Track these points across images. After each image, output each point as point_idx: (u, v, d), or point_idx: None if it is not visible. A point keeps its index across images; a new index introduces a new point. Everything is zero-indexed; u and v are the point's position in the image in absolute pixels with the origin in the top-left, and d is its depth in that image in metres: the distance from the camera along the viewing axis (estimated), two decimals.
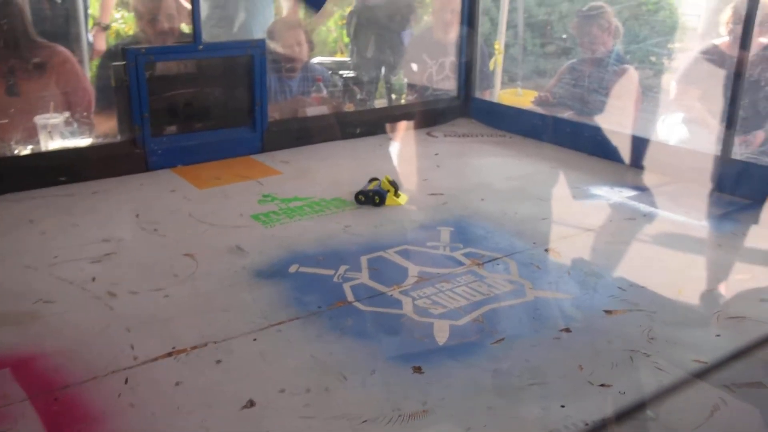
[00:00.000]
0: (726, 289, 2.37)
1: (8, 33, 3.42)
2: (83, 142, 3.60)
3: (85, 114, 3.83)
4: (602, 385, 1.78)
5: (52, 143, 3.40)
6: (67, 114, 3.66)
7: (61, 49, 3.67)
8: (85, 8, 4.45)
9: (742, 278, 2.44)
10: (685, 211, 3.01)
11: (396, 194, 3.00)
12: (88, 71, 4.44)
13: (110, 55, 3.88)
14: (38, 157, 3.33)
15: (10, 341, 1.95)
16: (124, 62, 3.29)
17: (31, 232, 2.70)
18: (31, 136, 3.46)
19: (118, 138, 3.48)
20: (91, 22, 4.74)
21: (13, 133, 3.49)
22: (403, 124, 4.27)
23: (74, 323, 2.06)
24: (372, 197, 2.97)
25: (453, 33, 4.53)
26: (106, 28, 4.53)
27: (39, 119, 3.43)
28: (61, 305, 2.15)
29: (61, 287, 2.26)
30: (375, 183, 3.06)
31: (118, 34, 4.84)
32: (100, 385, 1.76)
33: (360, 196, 2.99)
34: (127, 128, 3.41)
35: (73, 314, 2.11)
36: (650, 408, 1.71)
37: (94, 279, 2.32)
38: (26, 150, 3.40)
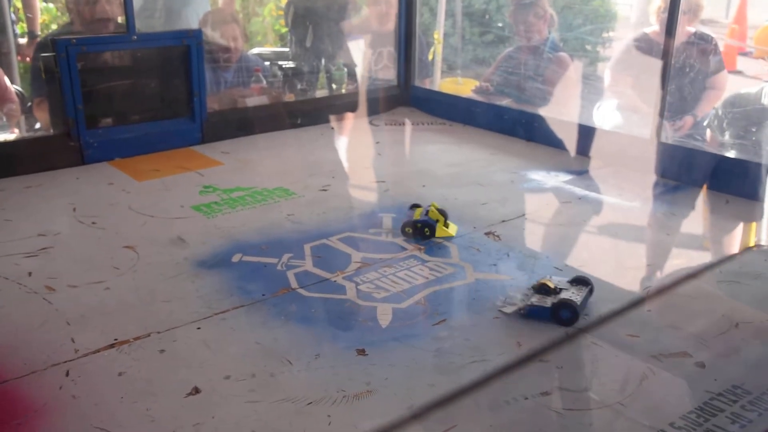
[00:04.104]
0: (656, 267, 2.48)
1: None
2: (14, 135, 3.51)
3: (13, 107, 3.74)
4: (540, 361, 1.85)
5: None
6: None
7: None
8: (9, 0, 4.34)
9: (671, 256, 2.56)
10: (618, 193, 3.11)
11: (445, 224, 2.61)
12: (17, 65, 4.33)
13: (40, 46, 3.79)
14: None
15: None
16: (53, 53, 3.21)
17: None
18: None
19: (51, 131, 3.40)
20: (21, 28, 4.63)
21: None
22: (344, 114, 4.28)
23: (11, 319, 2.02)
24: (421, 229, 2.57)
25: (389, 23, 4.56)
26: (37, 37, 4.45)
27: None
28: None
29: None
30: (420, 210, 2.65)
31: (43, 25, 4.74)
32: (40, 379, 1.73)
33: (407, 229, 2.59)
34: (60, 121, 3.33)
35: (9, 310, 2.06)
36: (585, 380, 1.78)
37: (30, 274, 2.27)
38: None
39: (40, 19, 4.87)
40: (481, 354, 1.87)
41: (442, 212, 2.61)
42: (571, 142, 3.70)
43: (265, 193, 3.03)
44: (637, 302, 2.19)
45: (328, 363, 1.83)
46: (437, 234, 2.58)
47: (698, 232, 2.83)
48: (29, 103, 3.86)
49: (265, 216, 2.79)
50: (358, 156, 3.66)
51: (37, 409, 1.62)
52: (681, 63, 4.09)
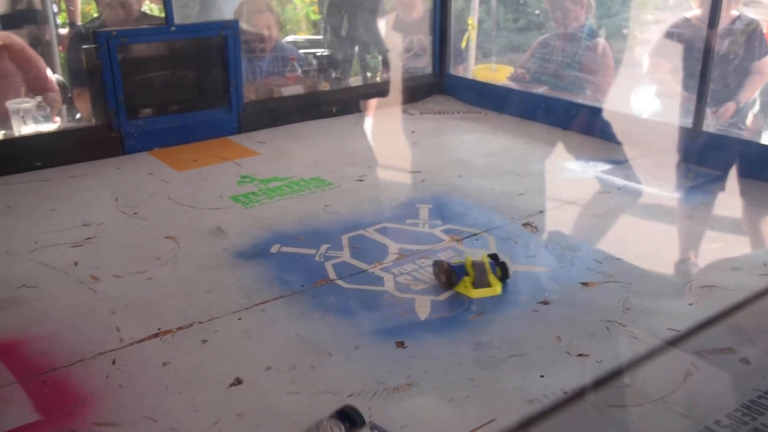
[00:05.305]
0: (698, 259, 2.44)
1: None
2: (56, 126, 3.57)
3: (54, 97, 3.80)
4: (580, 355, 1.84)
5: (26, 128, 3.37)
6: (39, 98, 3.62)
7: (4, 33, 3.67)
8: None
9: (713, 248, 2.51)
10: (658, 183, 3.07)
11: (478, 282, 2.14)
12: (58, 55, 4.39)
13: (80, 38, 3.84)
14: (12, 142, 3.30)
15: None
16: (95, 45, 3.26)
17: (9, 218, 2.69)
18: (3, 121, 3.42)
19: (93, 122, 3.46)
20: (62, 18, 4.69)
21: None
22: (379, 102, 4.28)
23: (59, 308, 2.07)
24: (438, 273, 2.23)
25: (416, 12, 4.54)
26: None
27: (11, 104, 3.39)
28: (44, 290, 2.16)
29: (44, 272, 2.27)
30: (469, 261, 2.21)
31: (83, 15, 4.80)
32: (88, 367, 1.78)
33: (435, 267, 2.24)
34: (102, 112, 3.39)
35: (57, 299, 2.12)
36: (627, 376, 1.77)
37: (76, 263, 2.33)
38: None
39: (86, 8, 4.93)
40: (520, 348, 1.87)
41: (479, 268, 2.17)
42: (609, 130, 3.65)
43: (302, 183, 3.05)
44: (678, 295, 2.16)
45: (367, 355, 1.84)
46: (456, 288, 2.17)
47: (741, 224, 2.77)
48: (69, 94, 3.93)
49: (302, 206, 2.81)
50: (393, 145, 3.66)
51: (86, 398, 1.66)
52: (724, 48, 3.99)
